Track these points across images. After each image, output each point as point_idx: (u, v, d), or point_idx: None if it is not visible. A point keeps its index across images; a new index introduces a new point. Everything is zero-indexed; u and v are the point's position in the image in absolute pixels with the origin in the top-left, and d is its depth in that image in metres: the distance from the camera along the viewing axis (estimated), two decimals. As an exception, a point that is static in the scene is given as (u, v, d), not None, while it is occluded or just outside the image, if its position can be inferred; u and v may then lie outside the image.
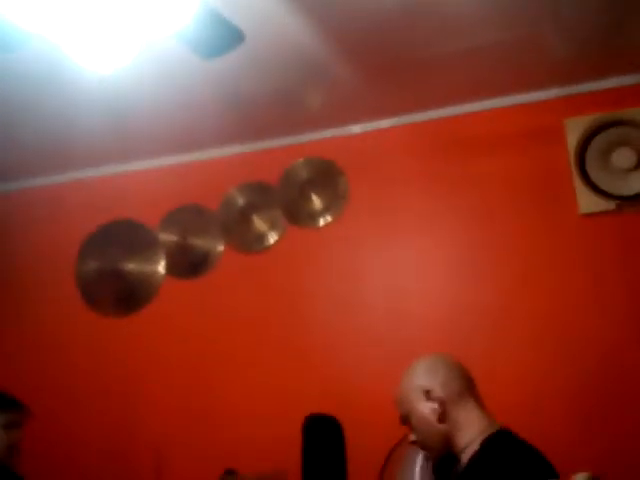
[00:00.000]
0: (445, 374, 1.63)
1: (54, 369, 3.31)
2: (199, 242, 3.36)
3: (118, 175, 3.47)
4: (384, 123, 3.20)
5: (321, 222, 3.24)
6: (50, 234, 3.46)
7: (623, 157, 2.88)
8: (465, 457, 1.54)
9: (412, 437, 1.66)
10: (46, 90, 2.66)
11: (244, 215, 3.32)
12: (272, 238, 3.28)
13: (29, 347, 3.37)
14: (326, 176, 3.26)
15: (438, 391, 1.60)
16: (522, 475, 1.42)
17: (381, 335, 3.02)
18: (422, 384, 1.62)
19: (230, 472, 2.50)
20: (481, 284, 2.97)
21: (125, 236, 3.42)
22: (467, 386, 1.64)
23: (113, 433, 3.19)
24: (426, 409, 1.60)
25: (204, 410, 3.14)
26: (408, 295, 3.09)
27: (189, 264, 3.34)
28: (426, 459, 1.77)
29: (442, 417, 1.58)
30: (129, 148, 3.32)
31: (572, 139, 2.93)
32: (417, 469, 2.02)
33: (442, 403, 1.59)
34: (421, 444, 1.65)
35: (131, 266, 3.39)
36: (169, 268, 3.35)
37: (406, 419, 1.65)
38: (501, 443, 1.53)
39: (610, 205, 2.85)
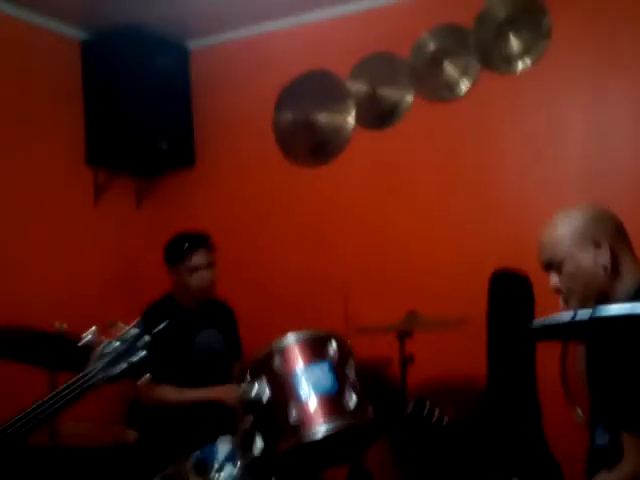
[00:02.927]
0: (612, 226, 1.59)
1: (255, 212, 3.56)
2: (388, 92, 3.27)
3: (309, 25, 3.44)
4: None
5: (519, 66, 2.98)
6: (249, 87, 3.58)
7: None
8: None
9: (556, 283, 1.59)
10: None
11: (435, 61, 3.15)
12: (464, 85, 3.09)
13: (232, 191, 3.63)
14: (527, 13, 2.94)
15: (608, 242, 1.55)
16: None
17: (577, 191, 2.81)
18: (591, 233, 1.56)
19: (412, 313, 2.58)
20: None
21: (318, 87, 3.44)
22: (626, 239, 1.60)
23: (307, 267, 3.40)
24: (590, 259, 1.54)
25: (391, 255, 3.22)
26: (611, 150, 2.80)
27: (378, 114, 3.30)
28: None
29: (609, 268, 1.53)
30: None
31: None
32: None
33: (611, 254, 1.54)
34: (571, 293, 1.57)
35: (323, 117, 3.43)
36: (358, 119, 3.33)
37: (558, 265, 1.58)
38: None
39: None
